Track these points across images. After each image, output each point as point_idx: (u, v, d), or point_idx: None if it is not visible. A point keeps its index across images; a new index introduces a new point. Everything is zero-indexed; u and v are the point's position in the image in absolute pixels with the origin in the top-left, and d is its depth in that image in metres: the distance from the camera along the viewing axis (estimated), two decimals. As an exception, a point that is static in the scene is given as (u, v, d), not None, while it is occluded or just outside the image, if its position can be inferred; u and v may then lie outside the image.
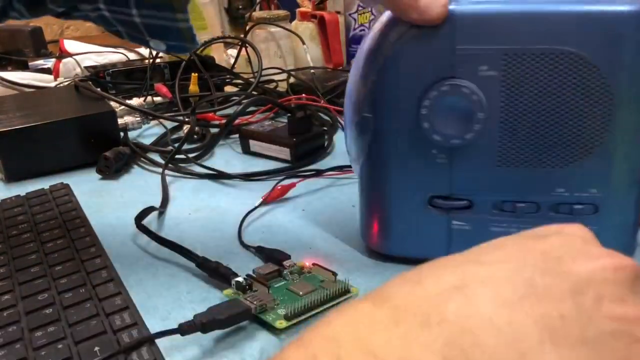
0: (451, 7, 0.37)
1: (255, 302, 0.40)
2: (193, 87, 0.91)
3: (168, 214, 0.59)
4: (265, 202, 0.59)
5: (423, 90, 0.39)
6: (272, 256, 0.47)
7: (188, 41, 0.45)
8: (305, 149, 0.71)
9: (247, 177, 0.67)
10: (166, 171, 0.70)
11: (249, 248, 0.50)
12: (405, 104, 0.40)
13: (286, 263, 0.45)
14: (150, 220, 0.57)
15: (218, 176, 0.67)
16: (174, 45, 0.46)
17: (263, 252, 0.48)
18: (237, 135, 0.78)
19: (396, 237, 0.45)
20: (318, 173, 0.66)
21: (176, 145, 0.78)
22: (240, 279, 0.42)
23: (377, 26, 0.40)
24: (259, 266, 0.45)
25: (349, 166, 0.65)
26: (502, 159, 0.40)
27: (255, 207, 0.58)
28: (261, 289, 0.42)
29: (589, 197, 0.40)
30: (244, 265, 0.48)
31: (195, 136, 0.80)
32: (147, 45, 0.47)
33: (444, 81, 0.38)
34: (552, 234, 0.23)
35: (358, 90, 0.42)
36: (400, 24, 0.38)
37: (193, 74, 0.91)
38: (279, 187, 0.61)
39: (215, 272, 0.45)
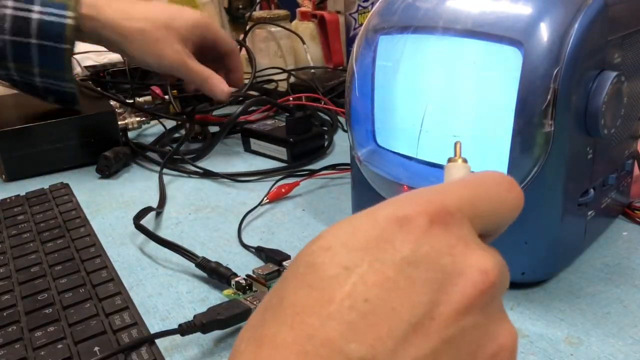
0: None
1: (255, 303, 0.40)
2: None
3: (168, 214, 0.59)
4: (270, 201, 0.59)
5: (599, 87, 0.39)
6: (272, 257, 0.47)
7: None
8: (303, 149, 0.71)
9: (236, 176, 0.67)
10: (166, 171, 0.70)
11: (248, 249, 0.50)
12: (581, 104, 0.39)
13: (286, 263, 0.45)
14: (149, 220, 0.57)
15: (215, 176, 0.67)
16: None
17: (263, 253, 0.48)
18: (238, 135, 0.78)
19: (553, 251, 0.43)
20: (312, 173, 0.66)
21: (174, 145, 0.78)
22: (240, 279, 0.42)
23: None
24: (259, 266, 0.45)
25: (344, 164, 0.65)
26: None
27: (257, 206, 0.58)
28: (261, 289, 0.42)
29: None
30: (244, 265, 0.48)
31: (199, 137, 0.80)
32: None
33: (610, 73, 0.39)
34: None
35: (531, 102, 0.38)
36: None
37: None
38: (284, 186, 0.61)
39: (215, 272, 0.45)
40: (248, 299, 0.40)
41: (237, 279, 0.42)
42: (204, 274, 0.46)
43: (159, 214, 0.58)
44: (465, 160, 0.26)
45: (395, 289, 0.18)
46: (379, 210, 0.20)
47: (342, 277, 0.18)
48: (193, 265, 0.46)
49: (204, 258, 0.46)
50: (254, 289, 0.42)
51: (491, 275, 0.20)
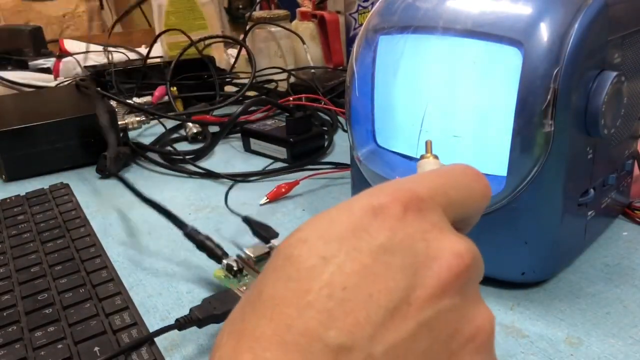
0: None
1: (249, 294, 0.39)
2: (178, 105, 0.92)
3: (168, 214, 0.59)
4: (270, 200, 0.60)
5: (599, 87, 0.39)
6: (259, 232, 0.46)
7: None
8: (303, 149, 0.71)
9: (236, 177, 0.67)
10: (166, 171, 0.70)
11: (235, 213, 0.50)
12: (581, 104, 0.39)
13: (274, 241, 0.44)
14: (148, 219, 0.57)
15: (215, 176, 0.67)
16: None
17: (250, 224, 0.47)
18: (238, 135, 0.79)
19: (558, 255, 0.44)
20: (312, 168, 0.66)
21: (175, 145, 0.78)
22: (231, 261, 0.42)
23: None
24: (249, 246, 0.44)
25: (344, 164, 0.65)
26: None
27: (250, 177, 0.58)
28: (252, 274, 0.41)
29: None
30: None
31: (199, 137, 0.80)
32: None
33: (610, 73, 0.39)
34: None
35: (531, 102, 0.38)
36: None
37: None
38: (284, 185, 0.61)
39: (203, 246, 0.43)
40: (242, 289, 0.40)
41: (228, 261, 0.42)
42: (204, 275, 0.46)
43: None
44: (436, 157, 0.27)
45: (372, 276, 0.18)
46: (354, 201, 0.20)
47: (320, 267, 0.19)
48: (193, 265, 0.46)
49: (193, 228, 0.44)
50: (244, 273, 0.42)
51: (465, 258, 0.20)
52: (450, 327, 0.19)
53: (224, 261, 0.42)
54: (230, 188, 0.55)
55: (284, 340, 0.17)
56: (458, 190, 0.23)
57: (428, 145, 0.28)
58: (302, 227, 0.20)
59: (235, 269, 0.41)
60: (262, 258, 0.43)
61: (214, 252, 0.43)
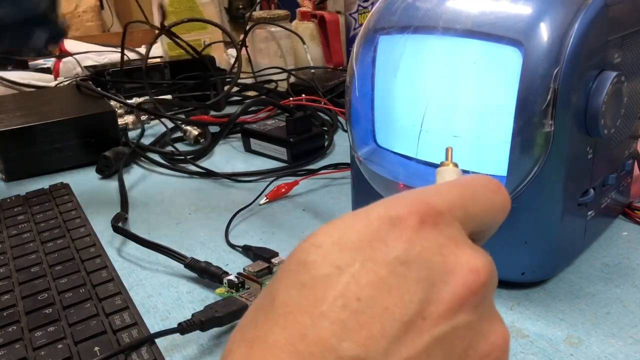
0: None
1: (250, 299, 0.40)
2: None
3: (168, 214, 0.59)
4: (269, 200, 0.60)
5: (599, 87, 0.39)
6: (260, 254, 0.47)
7: None
8: (303, 149, 0.71)
9: (236, 177, 0.67)
10: (166, 171, 0.70)
11: (235, 248, 0.50)
12: (581, 104, 0.39)
13: (275, 260, 0.45)
14: (147, 220, 0.57)
15: (215, 175, 0.67)
16: None
17: (250, 251, 0.48)
18: (238, 135, 0.79)
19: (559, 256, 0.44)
20: (312, 172, 0.66)
21: (176, 145, 0.78)
22: (232, 277, 0.42)
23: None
24: (249, 264, 0.45)
25: (344, 164, 0.65)
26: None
27: (250, 204, 0.58)
28: (254, 286, 0.42)
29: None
30: (245, 264, 0.48)
31: (199, 138, 0.80)
32: None
33: (610, 73, 0.39)
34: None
35: (531, 102, 0.38)
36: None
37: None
38: (283, 186, 0.61)
39: (205, 272, 0.44)
40: (243, 295, 0.40)
41: (228, 277, 0.42)
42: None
43: (126, 218, 0.57)
44: (456, 165, 0.27)
45: (388, 288, 0.18)
46: (371, 210, 0.20)
47: (335, 276, 0.18)
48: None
49: (192, 258, 0.46)
50: (246, 286, 0.42)
51: (482, 274, 0.20)
52: (465, 343, 0.19)
53: (225, 279, 0.42)
54: (229, 223, 0.55)
55: (297, 350, 0.17)
56: (477, 203, 0.22)
57: (448, 152, 0.28)
58: (316, 232, 0.20)
59: (236, 282, 0.42)
60: (263, 274, 0.44)
61: (216, 275, 0.44)
